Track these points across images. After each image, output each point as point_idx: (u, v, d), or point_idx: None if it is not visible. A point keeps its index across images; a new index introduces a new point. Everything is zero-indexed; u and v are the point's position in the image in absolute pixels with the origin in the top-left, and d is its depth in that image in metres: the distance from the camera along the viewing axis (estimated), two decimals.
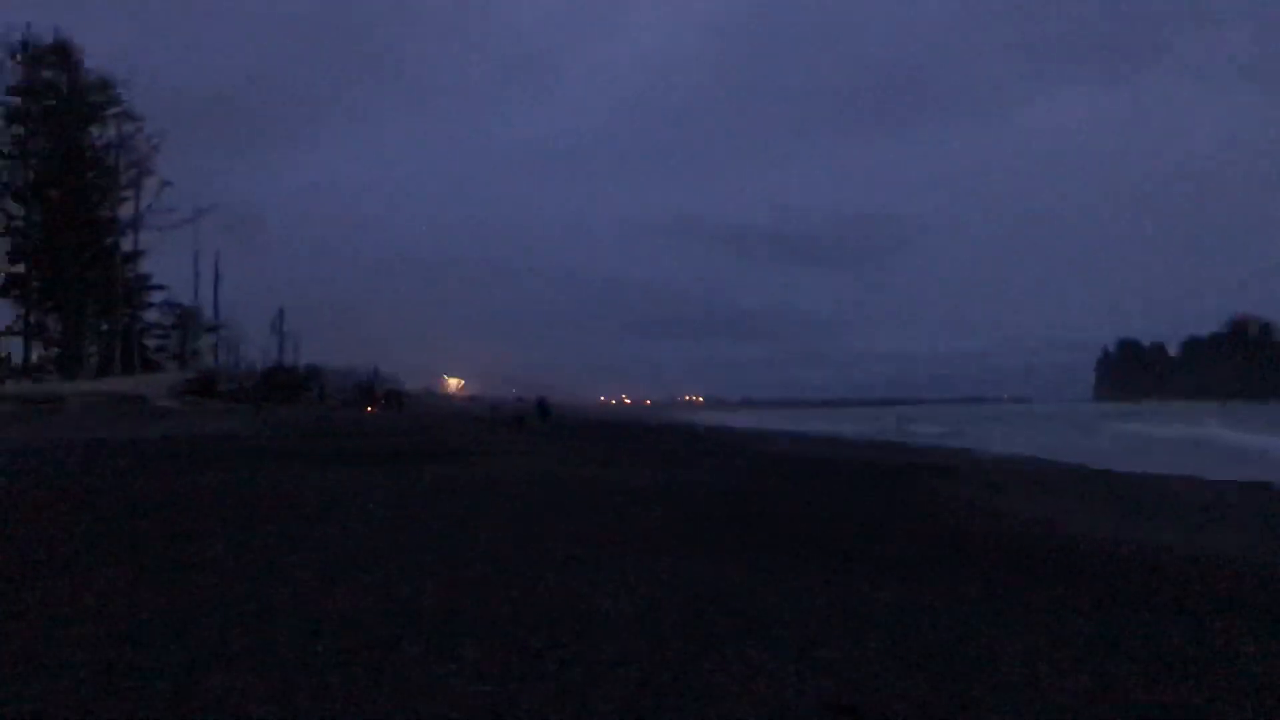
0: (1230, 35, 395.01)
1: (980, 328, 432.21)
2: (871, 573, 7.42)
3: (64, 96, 66.04)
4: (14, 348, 65.39)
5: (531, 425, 42.12)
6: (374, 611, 5.42)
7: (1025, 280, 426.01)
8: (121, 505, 9.93)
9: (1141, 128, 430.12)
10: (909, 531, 10.50)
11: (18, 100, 65.31)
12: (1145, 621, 6.13)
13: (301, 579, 6.30)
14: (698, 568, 7.29)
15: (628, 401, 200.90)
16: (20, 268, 65.68)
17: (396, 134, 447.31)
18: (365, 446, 22.27)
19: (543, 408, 52.43)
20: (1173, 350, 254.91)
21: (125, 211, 68.57)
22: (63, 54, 66.05)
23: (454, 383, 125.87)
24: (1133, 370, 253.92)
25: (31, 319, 65.80)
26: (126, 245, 69.37)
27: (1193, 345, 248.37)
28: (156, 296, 74.15)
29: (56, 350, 66.44)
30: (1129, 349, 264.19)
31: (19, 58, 64.99)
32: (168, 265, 71.75)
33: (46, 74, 66.09)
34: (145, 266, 71.35)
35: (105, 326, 69.14)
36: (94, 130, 68.16)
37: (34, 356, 65.26)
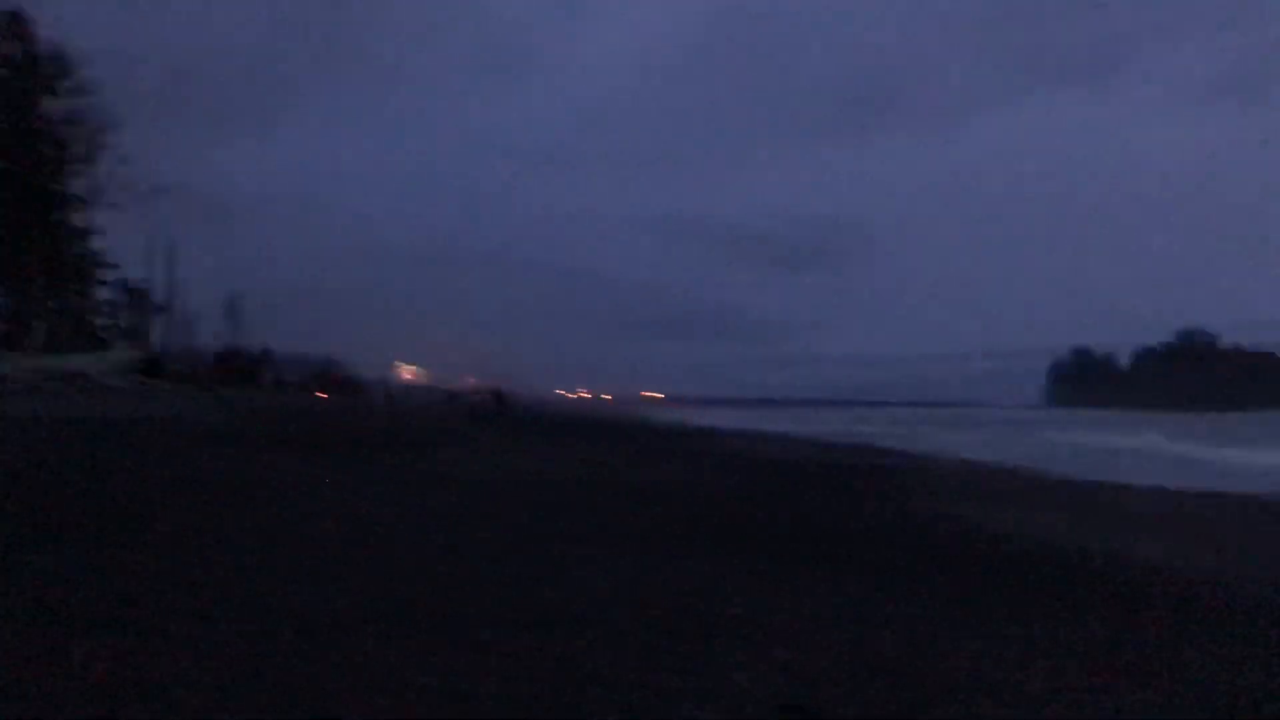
0: (1189, 50, 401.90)
1: (938, 333, 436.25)
2: (828, 573, 7.43)
3: (16, 67, 64.56)
4: None
5: (488, 416, 41.93)
6: (324, 601, 5.29)
7: (984, 287, 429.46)
8: (57, 486, 9.63)
9: (1100, 139, 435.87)
10: (865, 533, 10.58)
11: None
12: (1096, 626, 6.17)
13: (249, 566, 6.14)
14: (654, 566, 7.25)
15: (586, 396, 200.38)
16: None
17: (366, 121, 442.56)
18: (318, 434, 21.99)
19: (499, 399, 52.20)
20: (1124, 360, 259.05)
21: (78, 187, 67.19)
22: (16, 25, 64.58)
23: (411, 371, 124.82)
24: (1085, 378, 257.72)
25: None
26: (79, 222, 68.01)
27: (1143, 355, 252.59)
28: (109, 275, 72.82)
29: (2, 327, 65.00)
30: (1082, 357, 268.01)
31: None
32: (123, 245, 70.44)
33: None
34: (99, 245, 69.99)
35: (53, 303, 67.74)
36: (47, 102, 66.69)
37: None
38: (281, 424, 25.06)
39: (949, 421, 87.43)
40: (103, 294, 74.11)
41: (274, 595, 5.35)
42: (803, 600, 6.28)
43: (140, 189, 65.85)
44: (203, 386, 51.75)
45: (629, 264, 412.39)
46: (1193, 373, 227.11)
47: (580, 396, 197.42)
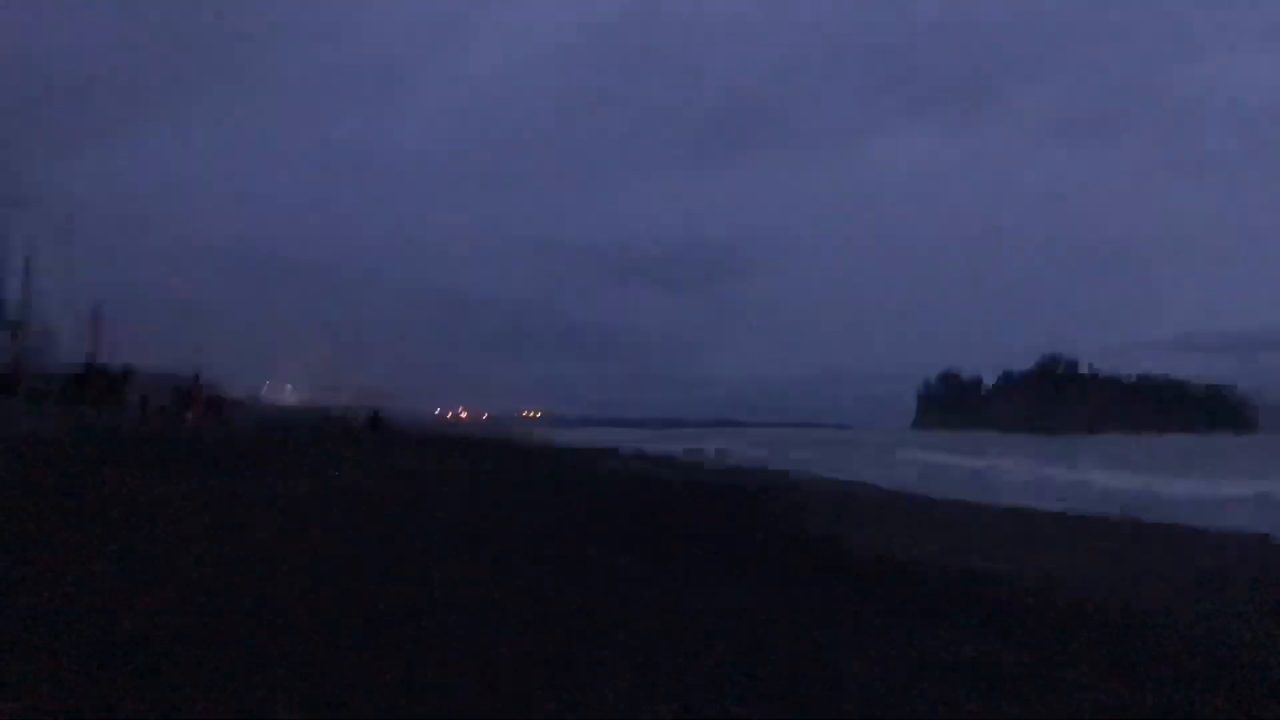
0: (1056, 87, 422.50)
1: (814, 354, 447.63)
2: (712, 592, 7.45)
3: None
4: None
5: (363, 437, 41.24)
6: (181, 618, 5.12)
7: (859, 310, 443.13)
8: None
9: (971, 168, 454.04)
10: (747, 552, 10.50)
11: None
12: (977, 643, 6.28)
13: (105, 586, 5.90)
14: (536, 580, 7.19)
15: (464, 416, 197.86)
16: None
17: (235, 135, 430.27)
18: (181, 454, 21.37)
19: (375, 420, 51.34)
20: (989, 383, 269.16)
21: None
22: None
23: (286, 390, 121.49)
24: (951, 401, 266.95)
25: None
26: None
27: (1007, 379, 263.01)
28: None
29: None
30: (949, 380, 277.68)
31: None
32: None
33: None
34: None
35: None
36: None
37: None
38: (146, 444, 24.25)
39: (819, 442, 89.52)
40: None
41: (130, 614, 5.04)
42: (689, 612, 6.26)
43: None
44: (62, 405, 49.52)
45: (509, 284, 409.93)
46: (1054, 397, 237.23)
47: (459, 416, 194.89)
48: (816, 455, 59.37)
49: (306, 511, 10.96)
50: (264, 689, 4.06)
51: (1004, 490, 30.33)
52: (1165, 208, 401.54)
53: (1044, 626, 7.35)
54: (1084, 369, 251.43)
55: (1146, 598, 9.47)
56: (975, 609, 7.91)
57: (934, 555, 11.74)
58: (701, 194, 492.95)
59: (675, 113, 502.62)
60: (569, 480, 21.60)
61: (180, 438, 29.94)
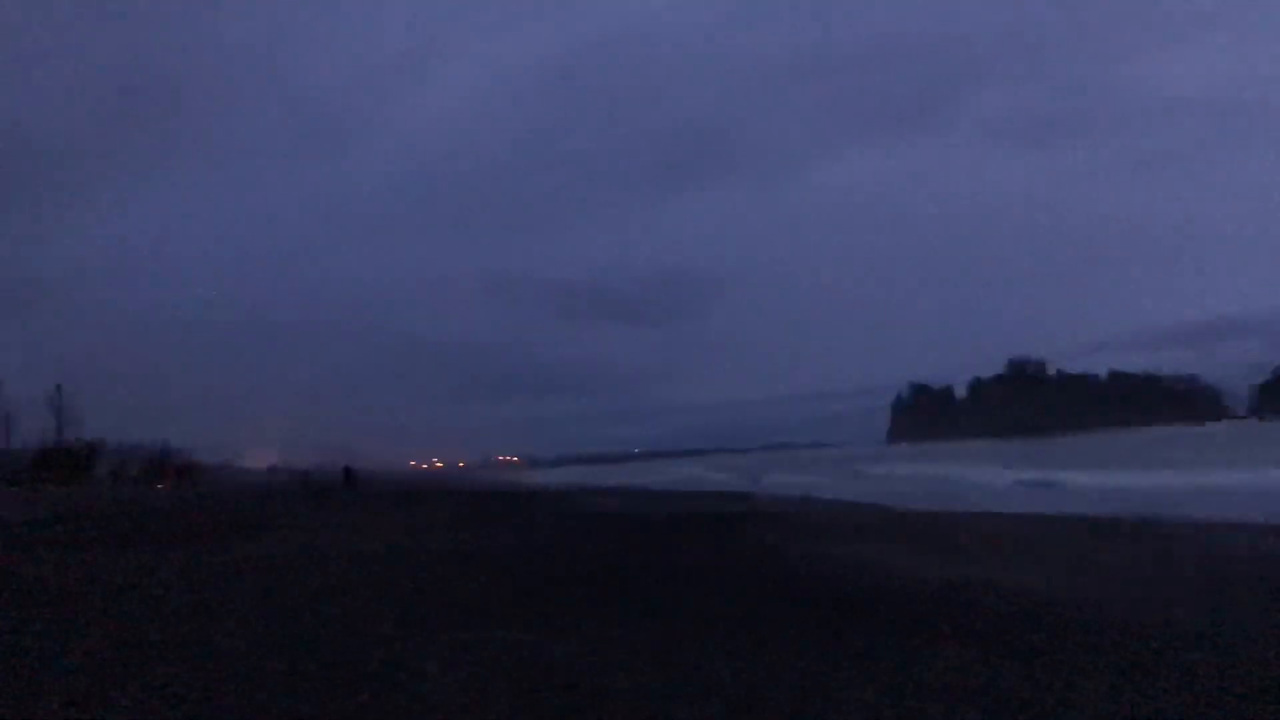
0: (1002, 94, 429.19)
1: (785, 377, 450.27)
2: (703, 631, 7.27)
3: None
4: None
5: (337, 495, 40.71)
6: (162, 717, 4.91)
7: (827, 330, 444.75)
8: None
9: (923, 182, 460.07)
10: (733, 583, 10.33)
11: None
12: (981, 663, 6.14)
13: (76, 682, 5.65)
14: (523, 639, 6.96)
15: (439, 465, 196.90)
16: None
17: (186, 196, 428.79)
18: (154, 527, 20.91)
19: (349, 476, 50.80)
20: (960, 391, 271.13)
21: None
22: None
23: (257, 453, 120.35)
24: (924, 412, 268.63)
25: None
26: None
27: (977, 386, 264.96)
28: None
29: None
30: (920, 391, 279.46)
31: None
32: None
33: None
34: None
35: None
36: None
37: None
38: (117, 520, 23.75)
39: (796, 464, 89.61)
40: None
41: (106, 714, 5.00)
42: (683, 663, 6.08)
43: None
44: (28, 486, 48.71)
45: (476, 327, 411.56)
46: (1025, 400, 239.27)
47: (434, 466, 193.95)
48: (792, 477, 59.41)
49: (278, 587, 10.65)
50: None
51: (982, 497, 30.35)
52: (1119, 206, 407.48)
53: (1045, 636, 7.18)
54: (1051, 370, 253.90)
55: (1142, 597, 9.36)
56: (973, 623, 7.74)
57: (924, 569, 11.59)
58: (662, 225, 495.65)
59: (631, 145, 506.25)
60: (548, 525, 21.32)
61: (150, 509, 29.39)
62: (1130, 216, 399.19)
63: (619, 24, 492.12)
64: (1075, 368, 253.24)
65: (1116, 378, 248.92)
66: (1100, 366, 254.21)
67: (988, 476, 45.39)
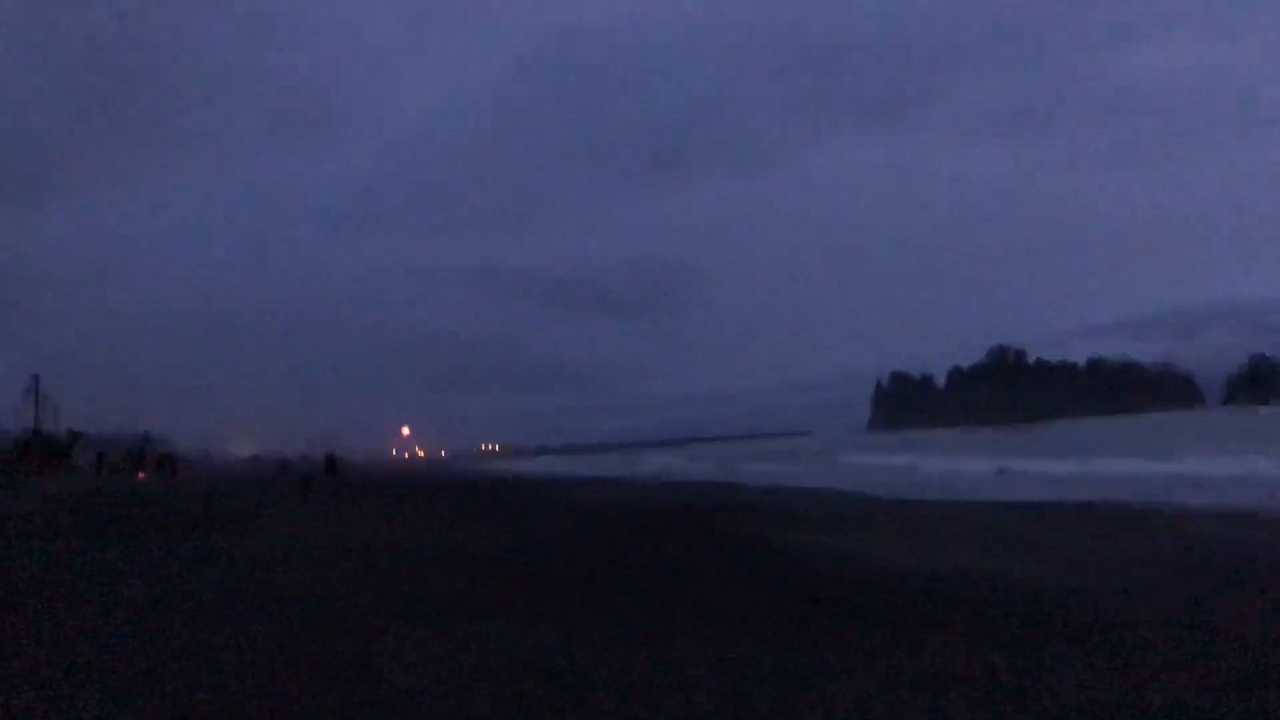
0: (984, 84, 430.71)
1: (767, 366, 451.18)
2: (691, 625, 7.16)
3: None
4: None
5: (319, 484, 40.50)
6: (134, 714, 4.78)
7: (808, 319, 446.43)
8: None
9: (907, 174, 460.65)
10: (717, 575, 10.28)
11: None
12: (968, 653, 6.09)
13: (45, 677, 5.54)
14: (507, 632, 6.85)
15: (422, 455, 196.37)
16: None
17: (173, 188, 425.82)
18: (130, 518, 20.71)
19: (331, 464, 50.54)
20: (941, 380, 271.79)
21: None
22: None
23: (240, 442, 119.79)
24: (904, 401, 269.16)
25: None
26: None
27: (957, 375, 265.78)
28: None
29: None
30: (900, 381, 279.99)
31: None
32: None
33: None
34: None
35: None
36: None
37: None
38: (94, 511, 23.52)
39: (776, 454, 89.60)
40: None
41: (73, 711, 4.83)
42: (670, 658, 6.01)
43: None
44: (6, 476, 48.27)
45: (457, 319, 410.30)
46: (1005, 388, 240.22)
47: (417, 455, 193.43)
48: (772, 465, 59.42)
49: (257, 578, 10.53)
50: None
51: (963, 486, 30.45)
52: (1099, 195, 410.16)
53: (1031, 624, 7.18)
54: (1031, 358, 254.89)
55: (1124, 584, 9.38)
56: (958, 613, 7.72)
57: (908, 559, 11.60)
58: (644, 216, 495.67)
59: (613, 136, 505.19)
60: (528, 516, 21.26)
61: (129, 499, 29.14)
62: (1110, 205, 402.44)
63: (603, 14, 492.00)
64: (1055, 356, 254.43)
65: (1095, 365, 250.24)
66: (1079, 354, 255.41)
67: (968, 465, 45.58)
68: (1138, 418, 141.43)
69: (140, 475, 59.50)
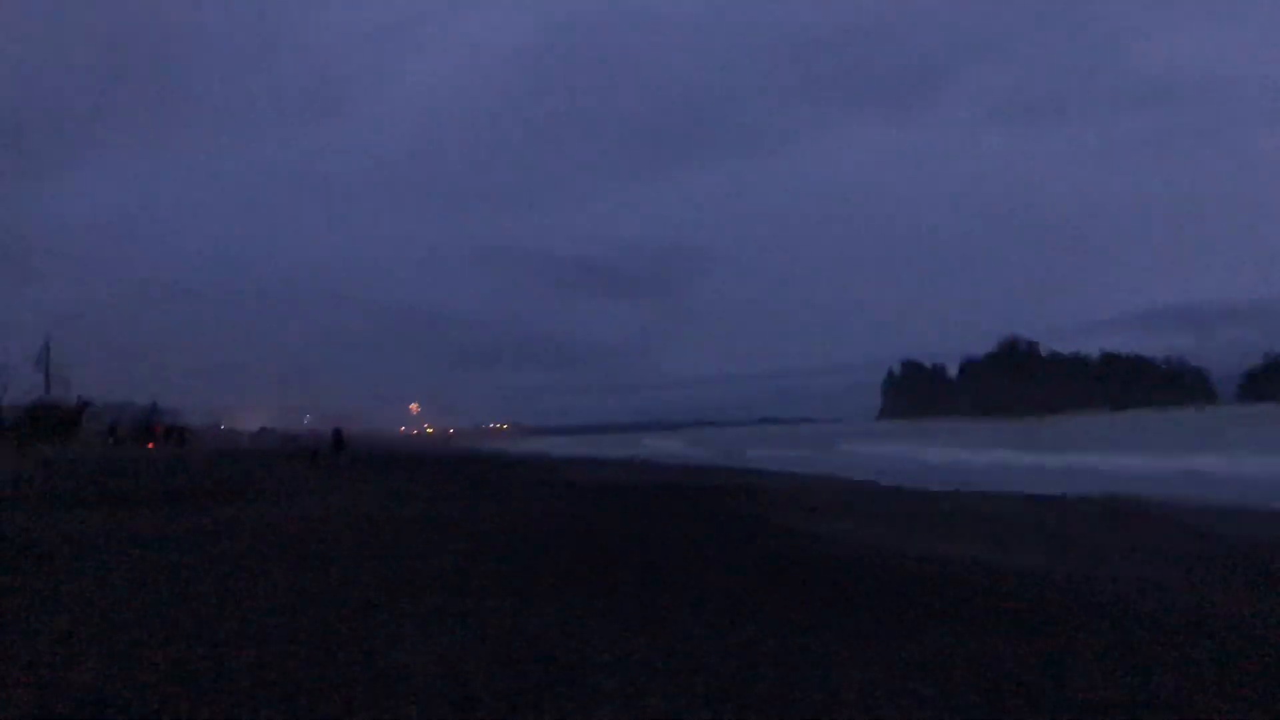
0: (999, 73, 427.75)
1: (776, 351, 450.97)
2: (691, 605, 7.09)
3: None
4: None
5: (326, 459, 40.56)
6: (127, 683, 4.71)
7: (818, 305, 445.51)
8: None
9: (920, 160, 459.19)
10: (718, 557, 10.22)
11: None
12: (972, 642, 5.99)
13: (42, 646, 5.49)
14: (507, 611, 6.78)
15: (430, 431, 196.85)
16: None
17: (183, 161, 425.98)
18: (139, 488, 20.76)
19: (338, 440, 50.63)
20: (952, 370, 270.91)
21: None
22: None
23: (249, 415, 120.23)
24: (915, 389, 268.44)
25: None
26: None
27: (969, 365, 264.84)
28: None
29: None
30: (912, 369, 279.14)
31: None
32: None
33: None
34: None
35: None
36: None
37: None
38: (103, 479, 23.58)
39: (781, 439, 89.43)
40: None
41: (71, 677, 4.72)
42: (669, 638, 5.94)
43: None
44: (15, 443, 48.47)
45: (465, 298, 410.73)
46: (1016, 380, 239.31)
47: (425, 432, 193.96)
48: (776, 451, 59.29)
49: (259, 551, 10.49)
50: None
51: (969, 476, 30.26)
52: (1115, 186, 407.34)
53: (1038, 617, 7.05)
54: (1043, 350, 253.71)
55: (1134, 578, 9.26)
56: (965, 602, 7.62)
57: (913, 546, 11.51)
58: (654, 199, 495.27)
59: (623, 120, 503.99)
60: (533, 494, 21.22)
61: (136, 469, 29.21)
62: (1126, 197, 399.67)
63: None
64: (1067, 348, 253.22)
65: (1108, 359, 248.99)
66: (1092, 347, 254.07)
67: (978, 456, 45.36)
68: (1151, 413, 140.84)
69: (149, 445, 59.76)
